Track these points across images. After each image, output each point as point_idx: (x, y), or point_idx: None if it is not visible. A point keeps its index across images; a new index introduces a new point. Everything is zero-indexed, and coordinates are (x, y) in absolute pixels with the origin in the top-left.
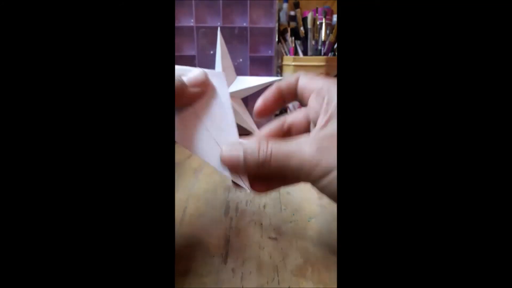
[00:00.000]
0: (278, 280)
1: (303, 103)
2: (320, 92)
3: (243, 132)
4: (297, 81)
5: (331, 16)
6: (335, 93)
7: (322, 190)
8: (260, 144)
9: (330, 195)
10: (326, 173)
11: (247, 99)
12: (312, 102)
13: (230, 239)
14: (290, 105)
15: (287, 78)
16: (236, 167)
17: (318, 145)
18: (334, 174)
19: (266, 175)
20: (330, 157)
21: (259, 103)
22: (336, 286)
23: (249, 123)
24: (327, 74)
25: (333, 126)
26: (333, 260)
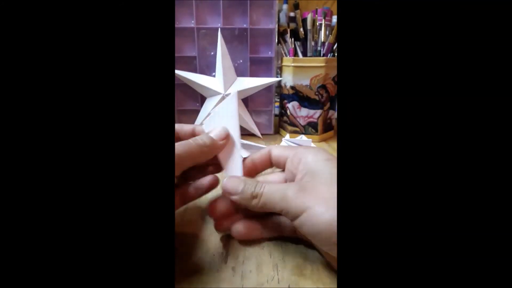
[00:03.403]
0: (278, 279)
1: (280, 167)
2: (295, 156)
3: (244, 132)
4: (269, 153)
5: (331, 17)
6: (307, 156)
7: (300, 227)
8: (258, 181)
9: (305, 233)
10: (302, 211)
11: (247, 99)
12: (288, 165)
13: (230, 238)
14: (289, 105)
15: (260, 151)
16: (234, 194)
17: (298, 188)
18: (308, 213)
19: (254, 207)
20: (305, 200)
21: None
22: (336, 286)
23: (249, 124)
24: (327, 74)
25: (306, 179)
26: (333, 260)
